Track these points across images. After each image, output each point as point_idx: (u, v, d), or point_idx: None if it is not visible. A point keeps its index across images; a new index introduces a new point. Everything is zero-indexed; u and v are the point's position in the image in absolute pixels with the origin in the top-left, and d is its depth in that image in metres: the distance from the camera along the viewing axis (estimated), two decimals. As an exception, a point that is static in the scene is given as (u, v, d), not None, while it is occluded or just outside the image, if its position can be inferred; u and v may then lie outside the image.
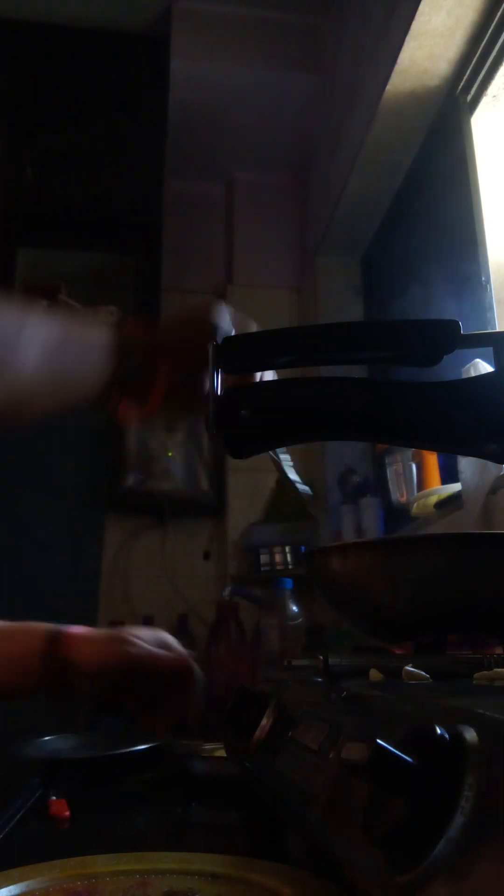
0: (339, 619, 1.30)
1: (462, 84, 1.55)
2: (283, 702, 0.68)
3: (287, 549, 1.98)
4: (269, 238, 2.42)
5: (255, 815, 0.69)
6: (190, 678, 0.63)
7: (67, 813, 0.77)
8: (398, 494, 1.56)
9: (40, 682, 0.65)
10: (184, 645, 2.10)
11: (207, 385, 0.55)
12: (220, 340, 0.57)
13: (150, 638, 0.68)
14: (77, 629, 0.68)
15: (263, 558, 1.99)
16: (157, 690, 0.62)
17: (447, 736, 0.30)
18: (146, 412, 0.60)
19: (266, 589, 1.82)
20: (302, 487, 0.74)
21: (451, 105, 1.59)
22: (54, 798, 0.80)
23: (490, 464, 1.13)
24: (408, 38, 1.48)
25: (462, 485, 1.22)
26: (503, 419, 0.52)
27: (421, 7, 1.41)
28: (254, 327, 0.66)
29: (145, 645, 0.65)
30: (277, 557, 1.98)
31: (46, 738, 1.06)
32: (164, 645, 0.70)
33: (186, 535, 2.17)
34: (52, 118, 2.16)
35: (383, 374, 1.59)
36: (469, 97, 1.54)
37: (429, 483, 1.46)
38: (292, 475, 0.71)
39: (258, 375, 0.61)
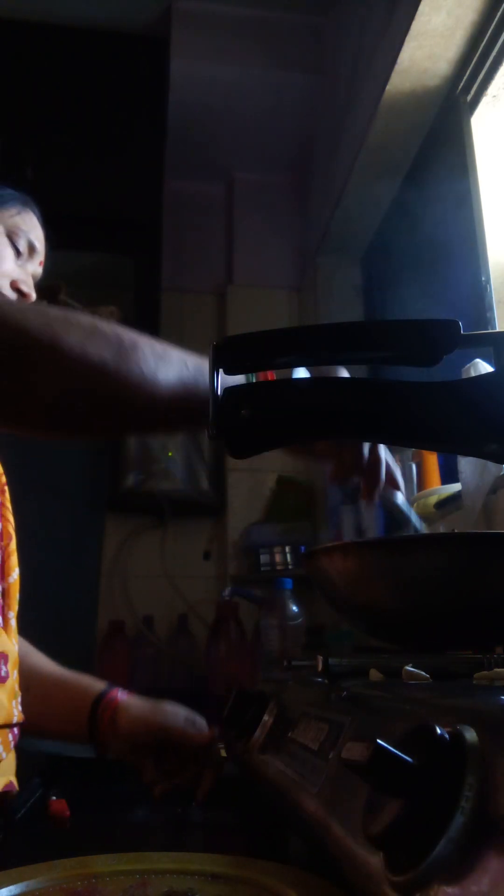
0: (339, 619, 1.30)
1: (462, 84, 1.55)
2: (283, 702, 0.68)
3: (287, 549, 1.98)
4: (269, 238, 2.42)
5: (255, 815, 0.69)
6: (209, 757, 0.69)
7: (67, 813, 0.77)
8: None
9: (86, 734, 0.75)
10: (184, 645, 2.10)
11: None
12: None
13: (183, 715, 0.76)
14: (123, 696, 0.77)
15: (263, 558, 1.99)
16: (178, 762, 0.69)
17: (447, 736, 0.30)
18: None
19: (266, 589, 1.82)
20: (419, 524, 0.79)
21: (451, 105, 1.59)
22: (54, 798, 0.80)
23: (490, 464, 1.13)
24: (408, 38, 1.48)
25: (462, 485, 1.22)
26: (503, 419, 0.52)
27: (421, 7, 1.41)
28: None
29: (179, 721, 0.73)
30: (277, 557, 1.98)
31: (46, 738, 1.06)
32: (193, 724, 0.77)
33: (186, 535, 2.17)
34: (52, 118, 2.16)
35: (383, 374, 1.59)
36: (469, 97, 1.54)
37: (429, 483, 1.46)
38: (413, 516, 0.76)
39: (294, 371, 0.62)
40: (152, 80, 2.17)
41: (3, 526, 0.87)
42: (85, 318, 0.55)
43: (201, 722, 0.78)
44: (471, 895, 0.27)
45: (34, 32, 2.16)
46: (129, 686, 2.01)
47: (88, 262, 2.23)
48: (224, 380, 0.52)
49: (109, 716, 0.75)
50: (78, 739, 0.77)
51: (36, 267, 0.94)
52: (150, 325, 2.17)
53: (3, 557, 0.84)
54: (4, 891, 0.45)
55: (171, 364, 0.55)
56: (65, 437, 0.71)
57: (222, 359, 0.57)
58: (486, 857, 0.27)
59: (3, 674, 0.77)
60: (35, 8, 2.13)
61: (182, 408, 0.57)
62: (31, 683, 0.80)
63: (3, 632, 0.81)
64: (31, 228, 0.92)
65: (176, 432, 0.54)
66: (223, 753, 0.73)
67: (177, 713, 0.76)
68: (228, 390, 0.56)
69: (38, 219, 0.95)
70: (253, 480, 2.16)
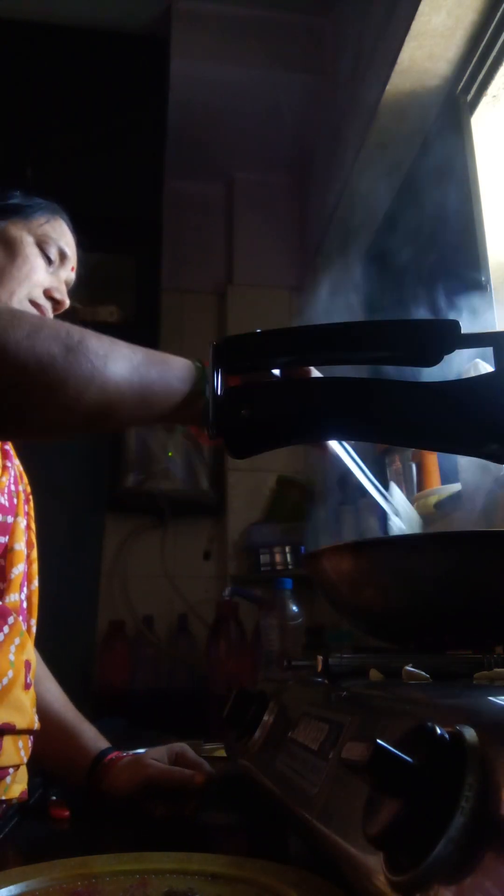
0: (339, 619, 1.30)
1: (462, 84, 1.55)
2: (283, 702, 0.68)
3: (287, 549, 1.98)
4: (269, 238, 2.42)
5: (255, 815, 0.69)
6: (192, 785, 0.74)
7: (67, 813, 0.77)
8: (398, 494, 1.56)
9: (83, 784, 0.82)
10: (184, 645, 2.10)
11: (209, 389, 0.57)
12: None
13: (162, 755, 0.81)
14: (112, 758, 0.83)
15: (263, 558, 1.99)
16: (168, 795, 0.75)
17: (447, 736, 0.30)
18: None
19: (266, 589, 1.82)
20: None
21: (451, 105, 1.59)
22: (54, 798, 0.80)
23: (490, 464, 1.13)
24: (408, 38, 1.48)
25: (462, 485, 1.22)
26: (503, 419, 0.52)
27: (421, 7, 1.41)
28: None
29: (156, 763, 0.79)
30: (277, 557, 1.98)
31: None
32: (176, 754, 0.82)
33: (186, 535, 2.17)
34: (52, 118, 2.15)
35: (383, 375, 1.59)
36: (469, 97, 1.54)
37: (429, 483, 1.46)
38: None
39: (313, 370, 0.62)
40: (152, 80, 2.17)
41: (28, 535, 0.88)
42: (31, 315, 0.55)
43: (187, 751, 0.82)
44: (471, 895, 0.27)
45: (34, 32, 2.16)
46: (129, 686, 2.01)
47: (88, 262, 2.22)
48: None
49: (103, 778, 0.81)
50: (78, 785, 0.83)
51: (68, 273, 0.95)
52: (150, 324, 2.17)
53: (27, 565, 0.86)
54: (4, 891, 0.45)
55: (119, 357, 0.56)
56: (12, 435, 0.71)
57: (222, 359, 0.57)
58: (486, 857, 0.27)
59: (28, 681, 0.80)
60: (35, 8, 2.13)
61: (137, 401, 0.57)
62: (42, 727, 0.82)
63: (28, 640, 0.83)
64: (61, 236, 0.94)
65: (136, 426, 0.54)
66: (206, 771, 0.77)
67: (160, 758, 0.80)
68: (228, 390, 0.56)
69: (67, 225, 0.97)
70: (253, 480, 2.16)
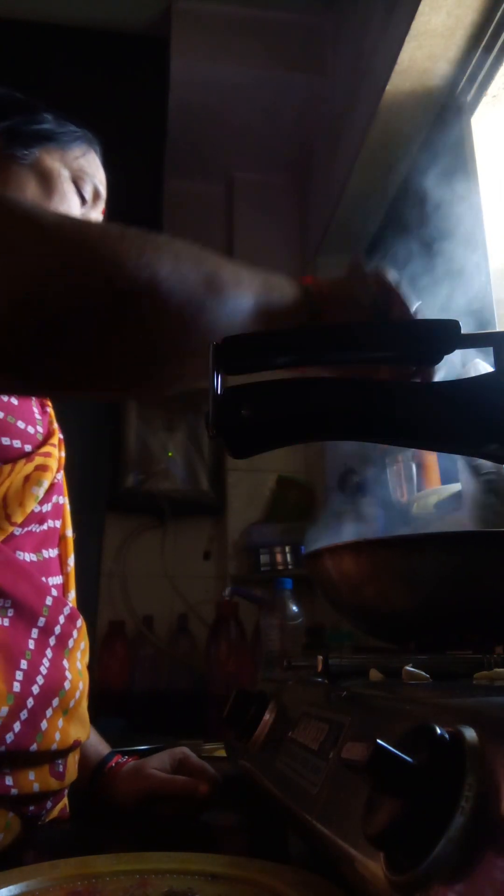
0: (339, 619, 1.30)
1: (462, 84, 1.55)
2: (283, 702, 0.68)
3: (287, 549, 1.98)
4: (269, 238, 2.42)
5: (255, 815, 0.69)
6: (196, 795, 0.72)
7: (67, 813, 0.77)
8: (398, 494, 1.56)
9: (87, 793, 0.79)
10: (184, 645, 2.10)
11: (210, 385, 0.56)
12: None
13: (164, 762, 0.78)
14: (113, 766, 0.80)
15: (263, 558, 1.99)
16: (171, 801, 0.73)
17: (447, 736, 0.30)
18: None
19: (266, 589, 1.82)
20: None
21: (451, 105, 1.59)
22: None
23: (490, 464, 1.13)
24: (408, 38, 1.48)
25: (462, 485, 1.22)
26: (503, 419, 0.52)
27: (421, 7, 1.41)
28: None
29: (159, 773, 0.76)
30: (277, 557, 1.98)
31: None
32: (179, 760, 0.79)
33: (186, 535, 2.17)
34: (52, 118, 2.15)
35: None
36: (469, 97, 1.54)
37: (429, 483, 1.46)
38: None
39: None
40: (152, 80, 2.17)
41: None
42: (142, 233, 0.47)
43: (188, 755, 0.80)
44: (471, 895, 0.27)
45: (34, 32, 2.16)
46: (129, 686, 2.01)
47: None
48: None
49: (107, 782, 0.79)
50: (77, 791, 0.80)
51: (98, 215, 0.86)
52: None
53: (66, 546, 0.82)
54: (4, 891, 0.45)
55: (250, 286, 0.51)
56: (142, 385, 0.56)
57: (222, 359, 0.57)
58: (486, 857, 0.27)
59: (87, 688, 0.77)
60: (35, 8, 2.13)
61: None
62: None
63: (88, 644, 0.79)
64: (96, 171, 0.84)
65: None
66: (211, 776, 0.77)
67: (157, 765, 0.78)
68: (228, 390, 0.56)
69: (100, 159, 0.86)
70: (253, 480, 2.16)
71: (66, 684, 0.70)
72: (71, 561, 0.79)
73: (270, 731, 0.67)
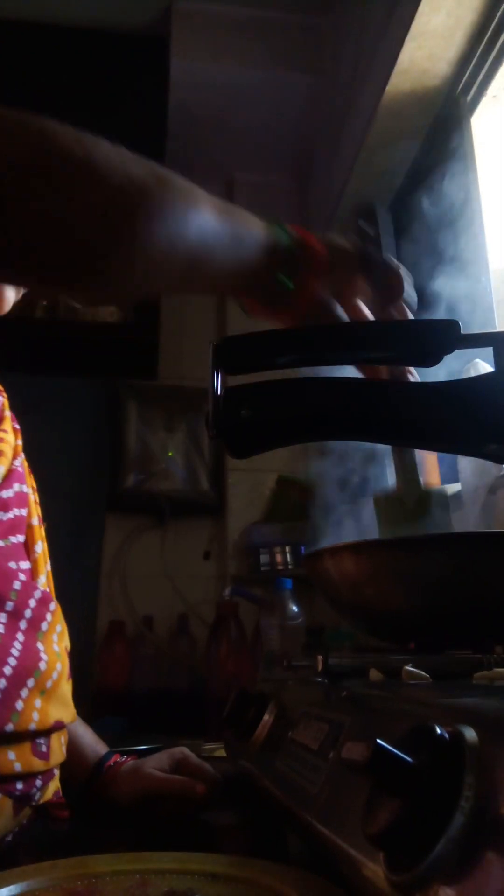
0: (339, 619, 1.30)
1: (462, 84, 1.55)
2: (283, 702, 0.68)
3: (287, 549, 1.98)
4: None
5: (255, 815, 0.69)
6: (194, 795, 0.73)
7: (67, 813, 0.77)
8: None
9: (86, 792, 0.80)
10: (184, 645, 2.09)
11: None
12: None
13: (162, 762, 0.79)
14: (112, 765, 0.81)
15: (263, 558, 1.99)
16: (169, 801, 0.74)
17: (447, 736, 0.30)
18: (280, 317, 0.60)
19: (266, 589, 1.82)
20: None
21: (451, 105, 1.59)
22: (54, 798, 0.80)
23: (490, 464, 1.13)
24: (408, 39, 1.48)
25: (462, 485, 1.22)
26: (503, 419, 0.52)
27: (421, 7, 1.41)
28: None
29: (157, 773, 0.76)
30: (277, 557, 1.98)
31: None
32: (177, 760, 0.80)
33: (186, 535, 2.17)
34: (52, 118, 2.15)
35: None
36: (469, 97, 1.55)
37: (429, 483, 1.46)
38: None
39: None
40: (152, 80, 2.17)
41: (40, 520, 0.84)
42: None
43: (187, 754, 0.81)
44: (471, 895, 0.27)
45: (34, 32, 2.16)
46: (129, 686, 2.01)
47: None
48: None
49: (105, 781, 0.80)
50: (74, 790, 0.81)
51: None
52: (151, 325, 2.17)
53: (43, 545, 0.83)
54: (4, 891, 0.45)
55: (205, 199, 0.52)
56: (92, 279, 0.53)
57: (222, 359, 0.57)
58: (486, 857, 0.27)
59: (69, 671, 0.78)
60: (35, 8, 2.13)
61: (228, 250, 0.53)
62: None
63: (65, 627, 0.80)
64: None
65: (207, 289, 0.50)
66: (211, 774, 0.77)
67: (155, 765, 0.78)
68: (228, 390, 0.56)
69: None
70: (253, 480, 2.16)
71: (42, 665, 0.70)
72: (38, 547, 0.79)
73: (270, 731, 0.68)
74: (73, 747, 0.83)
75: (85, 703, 1.83)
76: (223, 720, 0.77)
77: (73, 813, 0.77)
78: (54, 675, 0.72)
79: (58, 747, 0.74)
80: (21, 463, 0.81)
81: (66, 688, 0.76)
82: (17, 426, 0.85)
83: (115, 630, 1.96)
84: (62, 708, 0.73)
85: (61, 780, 0.82)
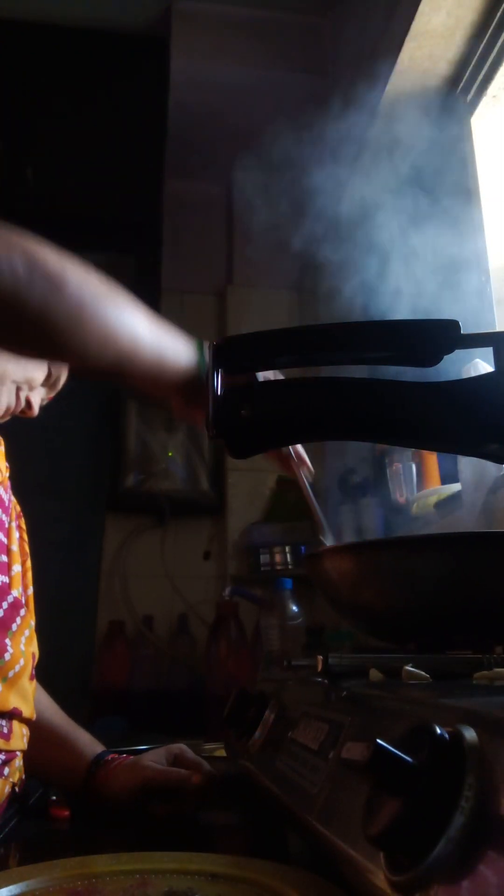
0: (339, 619, 1.30)
1: (462, 84, 1.55)
2: (283, 702, 0.68)
3: (287, 549, 1.98)
4: (269, 238, 2.42)
5: (255, 815, 0.69)
6: (190, 785, 0.74)
7: (67, 813, 0.77)
8: (398, 494, 1.56)
9: (80, 790, 0.81)
10: (184, 645, 2.09)
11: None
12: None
13: (160, 756, 0.81)
14: (110, 759, 0.82)
15: (263, 558, 1.99)
16: (166, 796, 0.75)
17: (447, 736, 0.30)
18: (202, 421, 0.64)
19: (266, 589, 1.82)
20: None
21: (451, 105, 1.59)
22: (54, 798, 0.80)
23: (490, 464, 1.13)
24: (408, 38, 1.48)
25: (462, 485, 1.22)
26: (503, 419, 0.52)
27: (421, 7, 1.41)
28: None
29: (153, 765, 0.78)
30: (277, 557, 1.98)
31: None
32: (175, 755, 0.81)
33: (186, 535, 2.17)
34: (53, 118, 2.15)
35: (383, 375, 1.59)
36: (469, 97, 1.55)
37: (429, 483, 1.46)
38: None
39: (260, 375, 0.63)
40: (152, 80, 2.17)
41: (21, 546, 0.89)
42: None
43: (185, 751, 0.82)
44: (471, 895, 0.27)
45: (34, 32, 2.16)
46: (129, 686, 2.01)
47: (88, 262, 2.23)
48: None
49: (101, 780, 0.80)
50: (75, 791, 0.82)
51: None
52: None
53: (23, 571, 0.87)
54: (4, 891, 0.45)
55: (131, 311, 0.60)
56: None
57: (222, 359, 0.57)
58: (486, 857, 0.27)
59: (33, 672, 0.82)
60: (35, 8, 2.13)
61: (153, 361, 0.60)
62: (33, 734, 0.82)
63: (34, 634, 0.84)
64: None
65: (137, 388, 0.56)
66: (206, 771, 0.77)
67: (153, 759, 0.80)
68: (228, 390, 0.56)
69: None
70: (253, 480, 2.16)
71: (7, 656, 0.76)
72: (16, 568, 0.85)
73: (270, 731, 0.68)
74: (70, 746, 0.85)
75: (85, 703, 1.83)
76: (223, 720, 0.77)
77: (72, 813, 0.77)
78: (17, 667, 0.77)
79: (19, 734, 0.77)
80: (6, 492, 0.87)
81: (28, 686, 0.79)
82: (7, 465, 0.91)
83: (115, 630, 1.96)
84: (22, 700, 0.77)
85: (60, 780, 0.84)
